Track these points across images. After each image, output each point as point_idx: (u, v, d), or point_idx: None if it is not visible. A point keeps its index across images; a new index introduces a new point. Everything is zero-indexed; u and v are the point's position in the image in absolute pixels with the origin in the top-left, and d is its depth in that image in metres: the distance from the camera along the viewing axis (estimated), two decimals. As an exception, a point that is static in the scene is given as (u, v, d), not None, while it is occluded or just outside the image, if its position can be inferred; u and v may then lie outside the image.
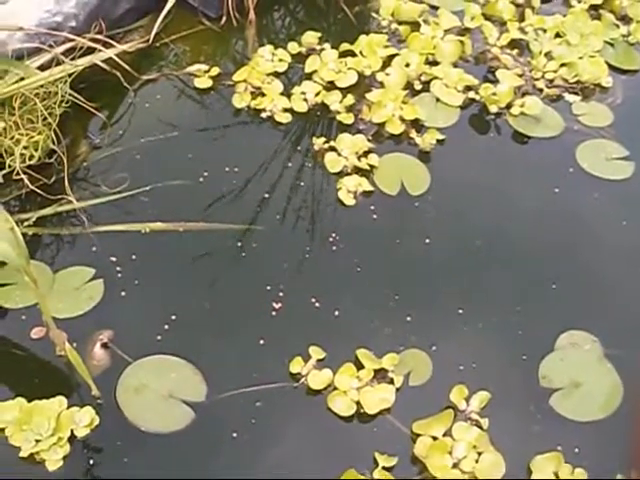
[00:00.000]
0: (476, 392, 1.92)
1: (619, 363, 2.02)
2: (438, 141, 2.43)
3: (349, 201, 2.29)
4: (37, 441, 1.83)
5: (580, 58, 2.66)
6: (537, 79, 2.62)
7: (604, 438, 1.91)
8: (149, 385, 1.94)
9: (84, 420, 1.86)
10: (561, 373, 2.00)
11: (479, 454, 1.84)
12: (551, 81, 2.63)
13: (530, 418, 1.94)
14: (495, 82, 2.56)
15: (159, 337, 2.00)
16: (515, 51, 2.70)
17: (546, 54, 2.66)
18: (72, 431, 1.85)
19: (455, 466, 1.83)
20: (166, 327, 2.02)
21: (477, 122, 2.53)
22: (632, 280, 2.19)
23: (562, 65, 2.64)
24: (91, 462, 1.83)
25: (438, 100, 2.54)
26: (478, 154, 2.45)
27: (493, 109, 2.53)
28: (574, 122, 2.54)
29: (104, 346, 1.99)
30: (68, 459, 1.83)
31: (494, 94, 2.53)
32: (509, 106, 2.53)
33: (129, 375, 1.95)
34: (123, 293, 2.08)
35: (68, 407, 1.88)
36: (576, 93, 2.61)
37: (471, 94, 2.56)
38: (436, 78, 2.57)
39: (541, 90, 2.59)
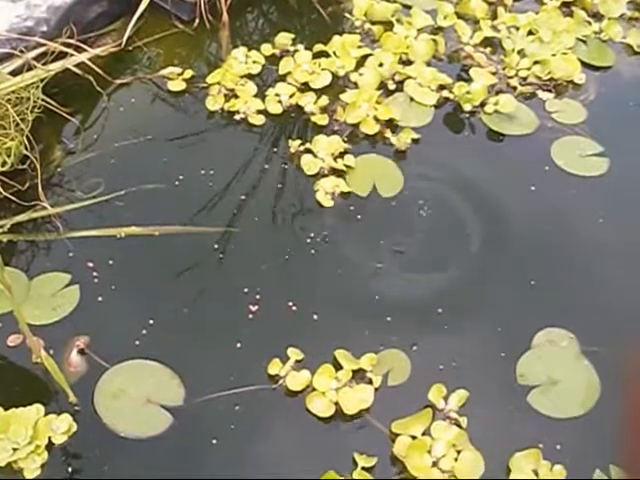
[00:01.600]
0: (454, 391, 1.93)
1: (596, 360, 2.02)
2: (413, 140, 2.43)
3: (327, 202, 2.28)
4: (14, 449, 1.81)
5: (553, 55, 2.66)
6: (510, 77, 2.63)
7: (582, 435, 1.92)
8: (127, 390, 1.93)
9: (62, 427, 1.85)
10: (538, 371, 2.01)
11: (458, 452, 1.85)
12: (524, 79, 2.63)
13: (508, 416, 1.94)
14: (469, 80, 2.57)
15: (137, 342, 1.99)
16: (488, 49, 2.70)
17: (519, 52, 2.67)
18: (50, 439, 1.84)
19: (434, 465, 1.83)
20: (143, 332, 2.01)
21: (451, 121, 2.53)
22: (609, 277, 2.19)
23: (535, 62, 2.65)
24: (69, 469, 1.83)
25: (412, 99, 2.54)
26: (453, 152, 2.45)
27: (467, 107, 2.53)
28: (548, 119, 2.55)
29: (81, 352, 1.98)
30: (46, 467, 1.82)
31: (468, 92, 2.53)
32: (483, 104, 2.54)
33: (106, 381, 1.94)
34: (99, 298, 2.07)
35: (45, 414, 1.86)
36: (549, 90, 2.62)
37: (445, 93, 2.56)
38: (410, 77, 2.57)
39: (515, 88, 2.60)
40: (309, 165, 2.35)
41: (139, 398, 1.92)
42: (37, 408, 1.87)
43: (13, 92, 2.20)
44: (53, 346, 1.97)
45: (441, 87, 2.57)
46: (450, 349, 2.03)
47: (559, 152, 2.45)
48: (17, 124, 2.20)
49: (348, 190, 2.30)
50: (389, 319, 2.07)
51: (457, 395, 1.92)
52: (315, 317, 2.06)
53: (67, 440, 1.85)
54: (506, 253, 2.22)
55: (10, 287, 1.80)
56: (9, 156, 2.18)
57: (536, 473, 1.84)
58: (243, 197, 2.28)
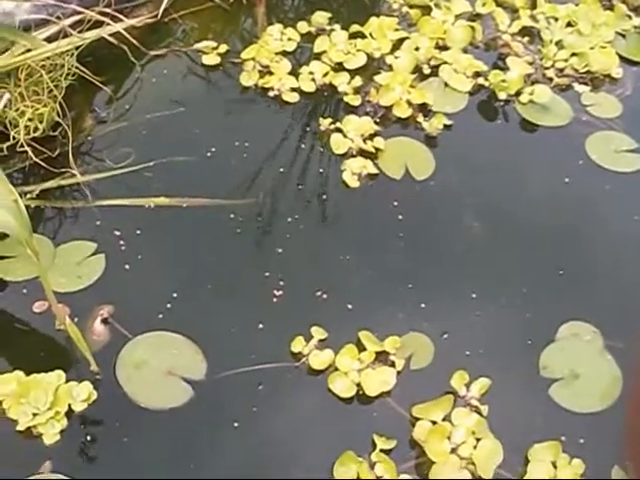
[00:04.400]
0: (477, 378, 1.92)
1: (619, 355, 2.01)
2: (445, 126, 2.42)
3: (353, 183, 2.27)
4: (34, 415, 1.82)
5: (591, 48, 2.63)
6: (547, 68, 2.60)
7: (602, 429, 1.90)
8: (149, 361, 1.93)
9: (82, 395, 1.85)
10: (561, 364, 1.99)
11: (477, 440, 1.84)
12: (561, 70, 2.60)
13: (529, 407, 1.93)
14: (505, 69, 2.54)
15: (161, 313, 1.99)
16: (526, 39, 2.67)
17: (557, 43, 2.64)
18: (70, 405, 1.84)
19: (453, 451, 1.82)
20: (168, 303, 2.01)
21: (485, 109, 2.51)
22: (637, 274, 2.17)
23: (573, 55, 2.62)
24: (88, 437, 1.83)
25: (447, 85, 2.52)
26: (485, 141, 2.44)
27: (502, 96, 2.51)
28: (583, 112, 2.52)
29: (104, 321, 1.98)
30: (65, 433, 1.82)
31: (503, 81, 2.51)
32: (518, 94, 2.51)
33: (129, 351, 1.94)
34: (125, 268, 2.07)
35: (66, 381, 1.87)
36: (586, 83, 2.59)
37: (480, 80, 2.54)
38: (445, 63, 2.55)
39: (551, 79, 2.58)
40: (338, 144, 2.34)
41: (161, 369, 1.92)
42: (58, 375, 1.88)
43: (48, 58, 2.20)
44: (77, 314, 1.97)
45: (476, 74, 2.54)
46: (474, 336, 2.01)
47: (593, 146, 2.43)
48: (50, 91, 2.20)
49: (375, 172, 2.29)
50: (419, 303, 2.06)
51: (479, 383, 1.91)
52: (341, 296, 2.06)
53: (87, 408, 1.85)
54: (537, 242, 2.20)
55: (37, 253, 1.80)
56: (41, 122, 2.18)
57: (554, 465, 1.83)
58: (271, 173, 2.28)
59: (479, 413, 1.88)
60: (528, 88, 2.52)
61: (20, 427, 1.81)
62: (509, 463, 1.82)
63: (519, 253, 2.18)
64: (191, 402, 1.89)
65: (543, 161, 2.39)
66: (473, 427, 1.85)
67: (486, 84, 2.54)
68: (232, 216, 2.18)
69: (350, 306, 2.05)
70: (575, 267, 2.16)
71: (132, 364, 1.93)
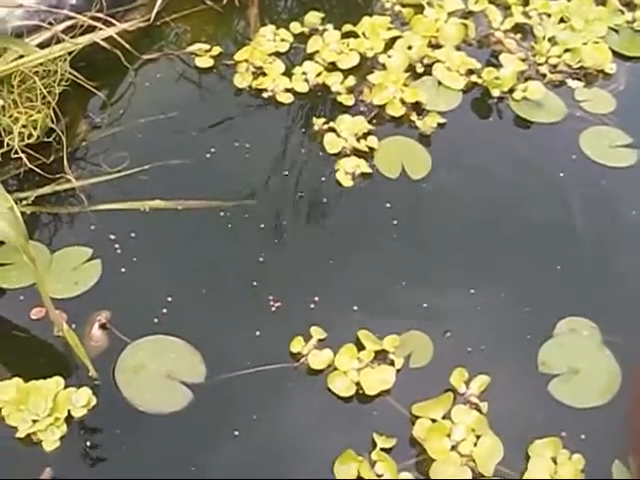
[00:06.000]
0: (476, 375, 1.92)
1: (618, 350, 2.01)
2: (439, 124, 2.42)
3: (347, 182, 2.28)
4: (34, 421, 1.82)
5: (584, 44, 2.63)
6: (540, 64, 2.60)
7: (602, 424, 1.90)
8: (148, 365, 1.93)
9: (81, 400, 1.85)
10: (560, 359, 2.00)
11: (478, 437, 1.84)
12: (554, 66, 2.61)
13: (529, 403, 1.93)
14: (498, 66, 2.55)
15: (158, 317, 2.00)
16: (519, 35, 2.68)
17: (550, 39, 2.64)
18: (69, 412, 1.85)
19: (453, 449, 1.83)
20: (164, 307, 2.01)
21: (479, 106, 2.51)
22: (635, 269, 2.17)
23: (566, 50, 2.62)
24: (88, 443, 1.83)
25: (440, 83, 2.52)
26: (480, 138, 2.44)
27: (495, 93, 2.51)
28: (576, 108, 2.52)
29: (102, 327, 1.98)
30: (65, 439, 1.82)
31: (497, 78, 2.51)
32: (512, 90, 2.51)
33: (128, 355, 1.94)
34: (121, 272, 2.07)
35: (65, 387, 1.87)
36: (579, 79, 2.59)
37: (473, 78, 2.54)
38: (438, 61, 2.55)
39: (544, 75, 2.58)
40: (332, 144, 2.34)
41: (160, 373, 1.93)
42: (57, 381, 1.88)
43: (41, 64, 2.21)
44: (75, 320, 1.97)
45: (470, 72, 2.55)
46: (472, 333, 2.02)
47: (587, 142, 2.43)
48: (44, 97, 2.20)
49: (369, 171, 2.29)
50: (417, 302, 2.06)
51: (479, 380, 1.91)
52: (339, 296, 2.06)
53: (86, 413, 1.85)
54: (534, 237, 2.21)
55: (34, 260, 1.80)
56: (35, 128, 2.18)
57: (555, 461, 1.83)
58: (265, 174, 2.28)
59: (479, 410, 1.88)
60: (521, 85, 2.52)
61: (20, 434, 1.81)
62: (509, 460, 1.83)
63: (516, 249, 2.18)
64: (191, 405, 1.89)
65: (538, 157, 2.39)
66: (473, 424, 1.85)
67: (479, 82, 2.54)
68: (227, 218, 2.18)
69: (348, 306, 2.04)
70: (572, 262, 2.16)
71: (131, 369, 1.93)
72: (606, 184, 2.34)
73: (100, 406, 1.86)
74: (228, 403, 1.89)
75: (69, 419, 1.84)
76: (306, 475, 1.80)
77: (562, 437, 1.86)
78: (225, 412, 1.88)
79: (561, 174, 2.34)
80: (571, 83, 2.58)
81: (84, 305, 2.01)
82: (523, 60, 2.59)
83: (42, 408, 1.83)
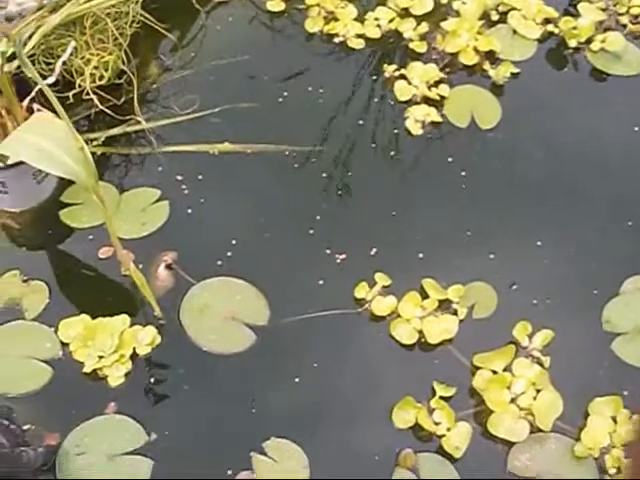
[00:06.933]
0: (539, 329, 1.90)
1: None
2: (512, 74, 2.36)
3: (416, 130, 2.25)
4: (100, 357, 1.87)
5: (668, -7, 2.55)
6: (621, 14, 2.51)
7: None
8: (213, 306, 1.96)
9: (146, 339, 1.89)
10: (625, 318, 1.96)
11: (538, 392, 1.83)
12: (636, 17, 2.51)
13: (592, 360, 1.91)
14: (576, 16, 2.47)
15: (224, 259, 2.02)
16: (599, -17, 2.60)
17: (632, -13, 2.56)
18: (134, 349, 1.89)
19: (512, 401, 1.82)
20: (229, 250, 2.03)
21: (554, 57, 2.44)
22: None
23: (649, -1, 2.54)
24: (152, 380, 1.87)
25: (515, 32, 2.46)
26: (554, 90, 2.38)
27: (572, 44, 2.44)
28: (658, 61, 2.45)
29: (168, 267, 2.01)
30: (130, 376, 1.86)
31: (574, 28, 2.44)
32: (589, 41, 2.44)
33: (193, 296, 1.97)
34: (189, 212, 2.09)
35: (131, 326, 1.91)
36: (662, 30, 2.51)
37: (550, 27, 2.47)
38: (514, 9, 2.48)
39: (625, 26, 2.49)
40: (402, 91, 2.32)
41: (224, 315, 1.95)
42: (123, 319, 1.92)
43: (112, 6, 2.20)
44: (142, 260, 2.00)
45: (546, 21, 2.48)
46: (538, 286, 2.00)
47: (666, 97, 2.36)
48: (115, 39, 2.21)
49: (439, 120, 2.27)
50: (483, 253, 2.04)
51: (542, 334, 1.90)
52: (405, 244, 2.05)
53: (151, 351, 1.89)
54: (605, 192, 2.16)
55: (103, 200, 1.82)
56: (106, 70, 2.19)
57: (615, 420, 1.81)
58: (334, 120, 2.27)
59: (540, 364, 1.87)
60: (600, 35, 2.44)
61: (86, 369, 1.86)
62: (568, 416, 1.81)
63: (586, 203, 2.14)
64: (253, 347, 1.91)
65: (613, 111, 2.32)
66: (534, 378, 1.84)
67: (556, 31, 2.47)
68: (295, 162, 2.19)
69: (414, 254, 2.04)
70: (644, 218, 2.12)
71: (196, 309, 1.95)
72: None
73: (164, 345, 1.90)
74: (290, 346, 1.91)
75: (134, 356, 1.88)
76: (364, 419, 1.82)
77: (623, 396, 1.83)
78: (287, 355, 1.90)
79: (636, 128, 2.28)
80: (653, 34, 2.51)
81: (151, 245, 2.04)
82: (603, 10, 2.50)
83: (108, 345, 1.87)
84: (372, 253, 2.04)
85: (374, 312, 1.94)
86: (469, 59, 2.39)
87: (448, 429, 1.79)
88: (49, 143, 1.75)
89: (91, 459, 1.77)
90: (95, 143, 2.18)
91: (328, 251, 2.04)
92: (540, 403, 1.82)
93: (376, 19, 2.46)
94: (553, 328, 1.91)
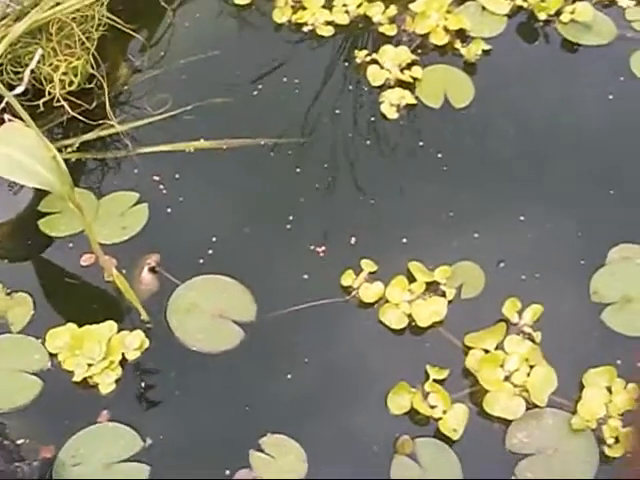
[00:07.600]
0: (529, 305, 1.90)
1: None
2: (484, 52, 2.35)
3: (392, 114, 2.24)
4: (89, 365, 1.85)
5: (635, -42, 2.54)
6: (589, -17, 2.52)
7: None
8: (199, 305, 1.95)
9: (134, 343, 1.88)
10: (612, 288, 1.96)
11: (531, 367, 1.83)
12: (603, -15, 2.52)
13: (582, 332, 1.91)
14: (544, -12, 2.47)
15: (206, 258, 2.00)
16: (565, -46, 2.58)
17: (598, -45, 2.55)
18: (123, 355, 1.87)
19: (507, 379, 1.82)
20: (211, 247, 2.02)
21: (525, 31, 2.43)
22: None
23: (616, -34, 2.53)
24: (143, 384, 1.86)
25: (484, 9, 2.45)
26: (526, 64, 2.37)
27: (542, 17, 2.43)
28: (627, 29, 2.43)
29: (152, 270, 1.99)
30: (120, 382, 1.85)
31: (543, 1, 2.42)
32: (558, 13, 2.43)
33: (179, 296, 1.96)
34: (168, 212, 2.08)
35: (118, 331, 1.90)
36: (630, -3, 2.50)
37: (519, 1, 2.45)
38: (481, -14, 2.48)
39: (593, -5, 2.49)
40: (375, 76, 2.31)
41: (211, 313, 1.94)
42: (110, 325, 1.90)
43: (78, 10, 2.18)
44: (125, 265, 1.99)
45: (515, -5, 2.48)
46: (524, 261, 1.99)
47: (639, 63, 2.34)
48: (83, 43, 2.19)
49: (414, 102, 2.26)
50: (466, 232, 2.04)
51: (531, 310, 1.89)
52: (388, 228, 2.04)
53: (140, 356, 1.88)
54: (584, 161, 2.16)
55: (81, 207, 1.80)
56: (76, 75, 2.18)
57: (610, 390, 1.81)
58: (308, 109, 2.26)
59: (532, 340, 1.87)
60: (569, 7, 2.43)
61: (76, 378, 1.85)
62: (563, 389, 1.81)
63: (565, 174, 2.14)
64: (243, 344, 1.90)
65: (586, 81, 2.32)
66: (526, 354, 1.83)
67: (525, 5, 2.46)
68: (271, 155, 2.17)
69: (397, 239, 2.03)
70: (625, 186, 2.11)
71: (182, 310, 1.94)
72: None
73: (153, 348, 1.89)
74: (280, 340, 1.91)
75: (123, 362, 1.87)
76: (360, 408, 1.81)
77: (617, 366, 1.83)
78: (277, 349, 1.89)
79: (610, 96, 2.28)
80: (621, 2, 2.48)
81: (133, 249, 2.03)
82: (570, -20, 2.51)
83: (96, 352, 1.85)
84: (352, 242, 2.02)
85: (362, 299, 1.94)
86: (440, 39, 2.38)
87: (444, 412, 1.78)
88: (20, 153, 1.73)
89: (87, 469, 1.76)
90: (69, 150, 2.16)
91: (309, 243, 2.02)
92: (534, 379, 1.81)
93: (344, 5, 2.44)
94: (542, 303, 1.90)
